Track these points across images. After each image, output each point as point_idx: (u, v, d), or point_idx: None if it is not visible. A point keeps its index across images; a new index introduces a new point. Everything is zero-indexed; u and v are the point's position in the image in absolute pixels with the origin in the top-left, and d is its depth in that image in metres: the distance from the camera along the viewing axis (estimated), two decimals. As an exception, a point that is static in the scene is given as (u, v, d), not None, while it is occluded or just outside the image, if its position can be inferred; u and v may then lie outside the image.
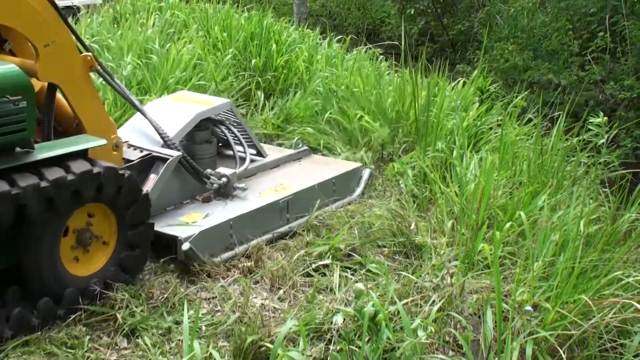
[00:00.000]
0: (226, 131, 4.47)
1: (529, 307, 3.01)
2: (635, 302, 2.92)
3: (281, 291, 3.48)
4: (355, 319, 2.96)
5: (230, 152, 4.48)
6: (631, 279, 3.17)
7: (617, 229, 3.68)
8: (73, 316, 3.08)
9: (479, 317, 3.17)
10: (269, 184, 4.34)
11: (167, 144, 3.92)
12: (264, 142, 5.56)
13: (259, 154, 4.65)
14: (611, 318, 2.93)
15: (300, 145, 4.94)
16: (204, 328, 3.16)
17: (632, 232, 3.73)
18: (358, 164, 4.82)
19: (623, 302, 3.00)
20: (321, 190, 4.33)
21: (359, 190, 4.66)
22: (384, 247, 3.88)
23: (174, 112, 4.25)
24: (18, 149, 2.95)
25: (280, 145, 5.29)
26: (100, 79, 3.99)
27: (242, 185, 4.10)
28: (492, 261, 3.35)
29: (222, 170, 4.10)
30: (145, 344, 2.98)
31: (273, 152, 4.80)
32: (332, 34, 8.34)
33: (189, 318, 2.96)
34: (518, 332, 2.93)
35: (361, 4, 18.01)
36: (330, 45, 7.93)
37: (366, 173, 4.77)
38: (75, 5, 9.69)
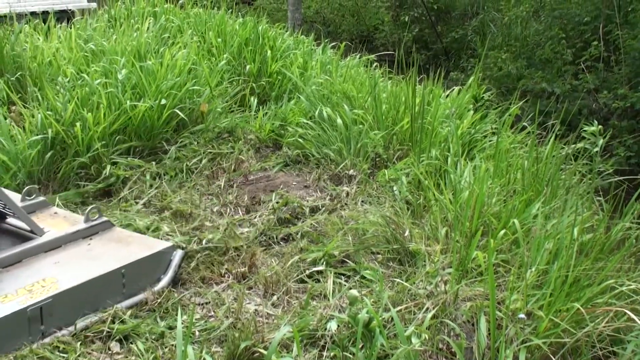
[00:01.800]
0: None
1: (522, 315, 3.01)
2: (628, 310, 2.92)
3: (275, 297, 3.47)
4: (349, 325, 2.96)
5: (10, 227, 3.41)
6: (624, 288, 3.17)
7: (611, 237, 3.69)
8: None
9: (473, 324, 3.16)
10: (27, 279, 3.12)
11: None
12: (258, 148, 5.55)
13: (32, 231, 3.48)
14: (604, 326, 2.94)
15: (97, 216, 3.66)
16: (197, 333, 3.16)
17: (625, 241, 3.74)
18: (167, 244, 3.57)
19: (616, 310, 3.01)
20: (103, 285, 3.21)
21: (165, 280, 3.47)
22: (378, 253, 3.88)
23: None
24: None
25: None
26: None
27: None
28: (486, 269, 3.35)
29: None
30: (138, 349, 2.97)
31: (60, 227, 3.59)
32: (326, 41, 8.33)
33: (182, 323, 2.95)
34: (511, 340, 2.93)
35: (355, 11, 18.10)
36: (324, 51, 7.93)
37: (177, 256, 3.56)
38: (70, 10, 9.73)
